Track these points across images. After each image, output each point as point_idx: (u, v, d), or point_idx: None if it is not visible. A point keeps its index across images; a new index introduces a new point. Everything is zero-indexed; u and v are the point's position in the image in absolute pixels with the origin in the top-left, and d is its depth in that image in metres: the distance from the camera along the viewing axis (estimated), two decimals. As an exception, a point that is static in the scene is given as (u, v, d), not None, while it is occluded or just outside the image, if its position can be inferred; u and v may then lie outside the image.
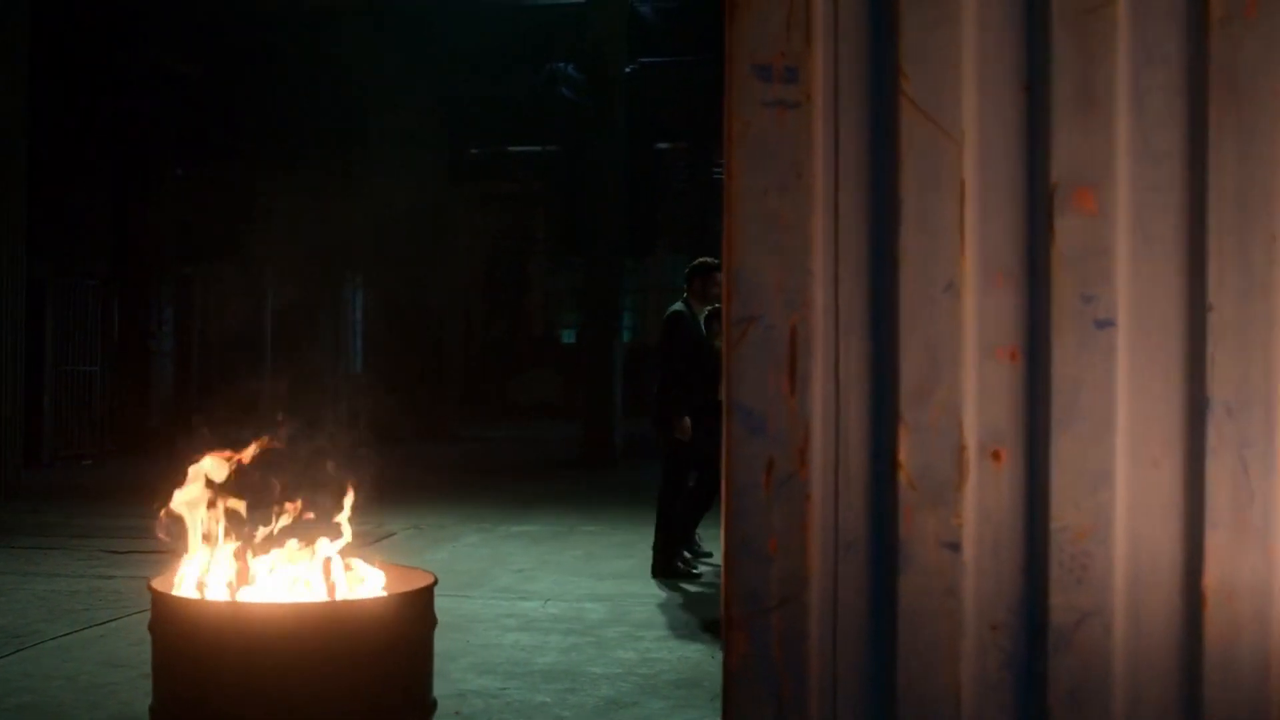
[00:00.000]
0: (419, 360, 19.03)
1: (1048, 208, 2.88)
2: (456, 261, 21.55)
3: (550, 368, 25.61)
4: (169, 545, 3.93)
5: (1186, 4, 2.86)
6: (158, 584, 3.53)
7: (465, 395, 23.23)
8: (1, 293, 12.34)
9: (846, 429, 2.94)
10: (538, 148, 21.32)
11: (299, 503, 3.92)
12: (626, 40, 16.01)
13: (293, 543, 3.83)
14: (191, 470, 3.79)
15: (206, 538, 3.78)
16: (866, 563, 2.93)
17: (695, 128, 19.10)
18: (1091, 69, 2.88)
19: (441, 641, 6.57)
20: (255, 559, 3.71)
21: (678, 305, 8.39)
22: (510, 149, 21.50)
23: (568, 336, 27.28)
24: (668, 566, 8.34)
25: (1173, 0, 2.87)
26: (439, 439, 19.25)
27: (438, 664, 6.08)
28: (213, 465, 3.74)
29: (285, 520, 4.00)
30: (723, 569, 2.99)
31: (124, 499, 10.68)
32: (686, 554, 8.56)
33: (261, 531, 3.82)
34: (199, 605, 3.37)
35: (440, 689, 5.67)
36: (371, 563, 3.91)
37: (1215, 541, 2.84)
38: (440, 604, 7.50)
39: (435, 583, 3.66)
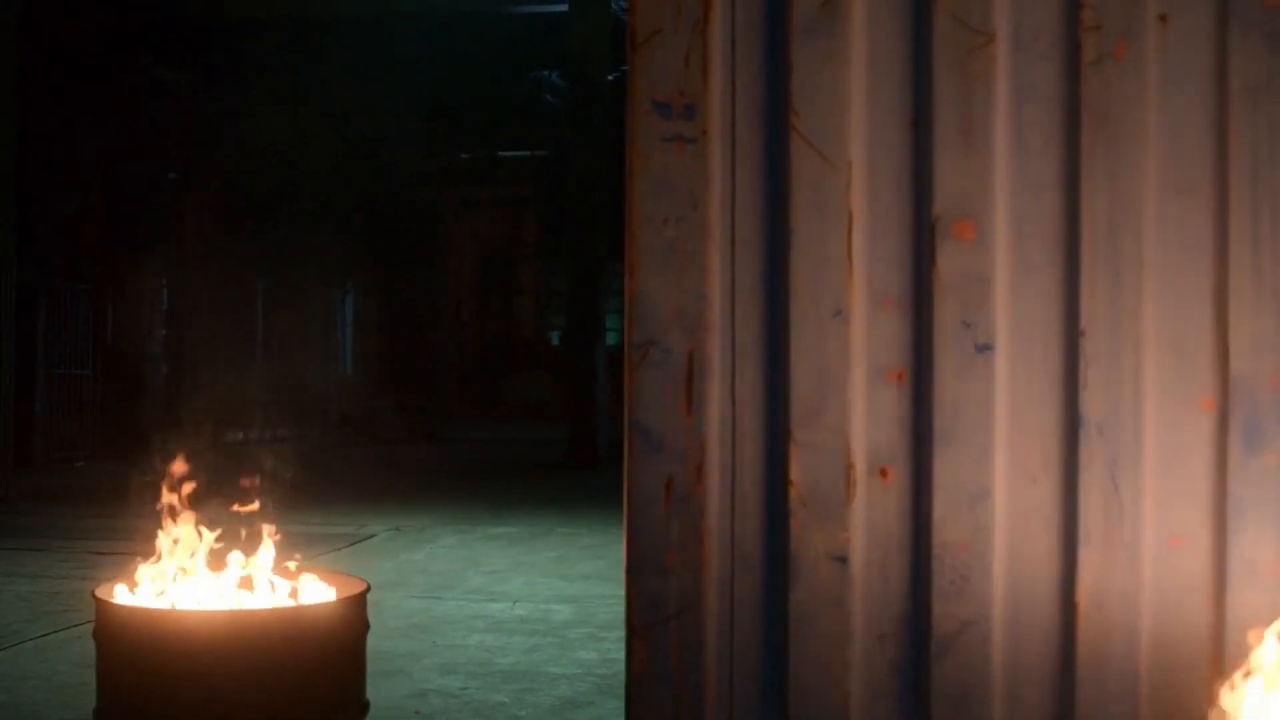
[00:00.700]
0: (409, 362, 19.20)
1: (931, 237, 3.04)
2: (447, 264, 21.72)
3: (541, 369, 25.79)
4: (141, 549, 4.10)
5: (1061, 45, 3.02)
6: (101, 591, 3.69)
7: (456, 396, 23.41)
8: (-8, 297, 12.51)
9: (742, 448, 3.10)
10: (527, 153, 21.50)
11: (249, 504, 4.07)
12: (610, 48, 16.18)
13: (235, 552, 3.99)
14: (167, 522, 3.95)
15: (158, 545, 3.94)
16: (760, 575, 3.09)
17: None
18: (972, 105, 3.04)
19: (409, 642, 6.79)
20: (197, 566, 3.87)
21: None
22: (501, 154, 21.69)
23: (558, 339, 27.46)
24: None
25: (1048, 41, 3.02)
26: (429, 440, 19.41)
27: (403, 664, 6.28)
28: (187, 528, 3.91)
29: (236, 525, 4.14)
30: (625, 581, 3.15)
31: (113, 501, 10.85)
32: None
33: (208, 538, 3.98)
34: (131, 612, 3.53)
35: (403, 689, 5.85)
36: (311, 570, 4.07)
37: (1087, 555, 3.00)
38: (411, 605, 7.75)
39: (367, 590, 3.81)
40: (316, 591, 3.91)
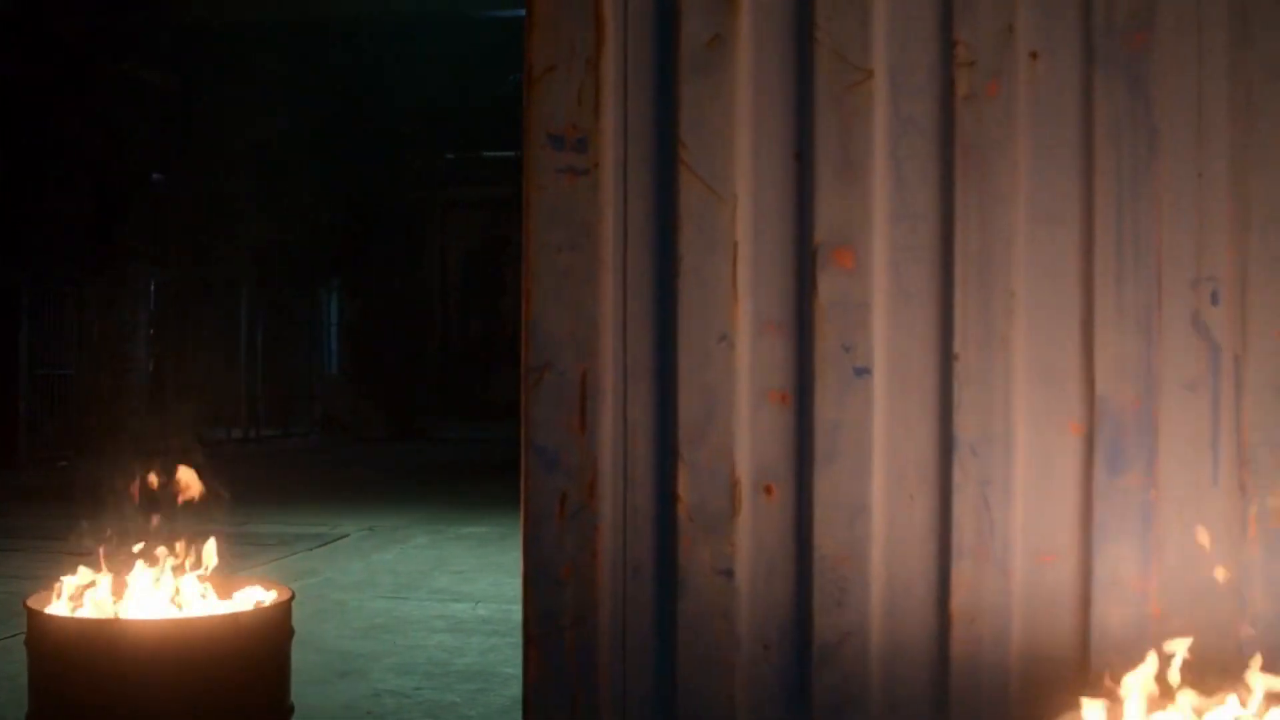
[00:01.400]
0: (395, 361, 19.34)
1: (812, 265, 3.18)
2: (431, 264, 21.87)
3: (525, 369, 25.82)
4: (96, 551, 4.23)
5: (936, 81, 3.15)
6: (33, 601, 3.83)
7: (441, 395, 23.56)
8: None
9: (633, 466, 3.24)
10: (511, 153, 21.63)
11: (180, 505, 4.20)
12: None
13: (168, 559, 4.12)
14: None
15: (94, 553, 4.08)
16: (651, 587, 3.24)
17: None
18: (852, 139, 3.17)
19: (370, 643, 6.94)
20: (128, 575, 4.01)
21: None
22: (485, 154, 21.82)
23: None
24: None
25: (924, 77, 3.16)
26: (413, 438, 19.56)
27: (362, 665, 6.43)
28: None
29: (182, 533, 4.26)
30: (522, 592, 3.30)
31: (95, 501, 10.97)
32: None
33: (139, 547, 4.11)
34: (56, 621, 3.67)
35: (359, 689, 6.00)
36: (242, 579, 4.21)
37: (961, 568, 3.14)
38: (376, 606, 7.90)
39: (292, 598, 3.95)
40: (243, 601, 4.05)
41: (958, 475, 3.14)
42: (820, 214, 3.18)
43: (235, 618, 3.75)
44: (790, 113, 3.20)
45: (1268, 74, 3.05)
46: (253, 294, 18.58)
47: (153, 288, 18.05)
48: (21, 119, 14.29)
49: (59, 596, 3.93)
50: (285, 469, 16.28)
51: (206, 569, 4.14)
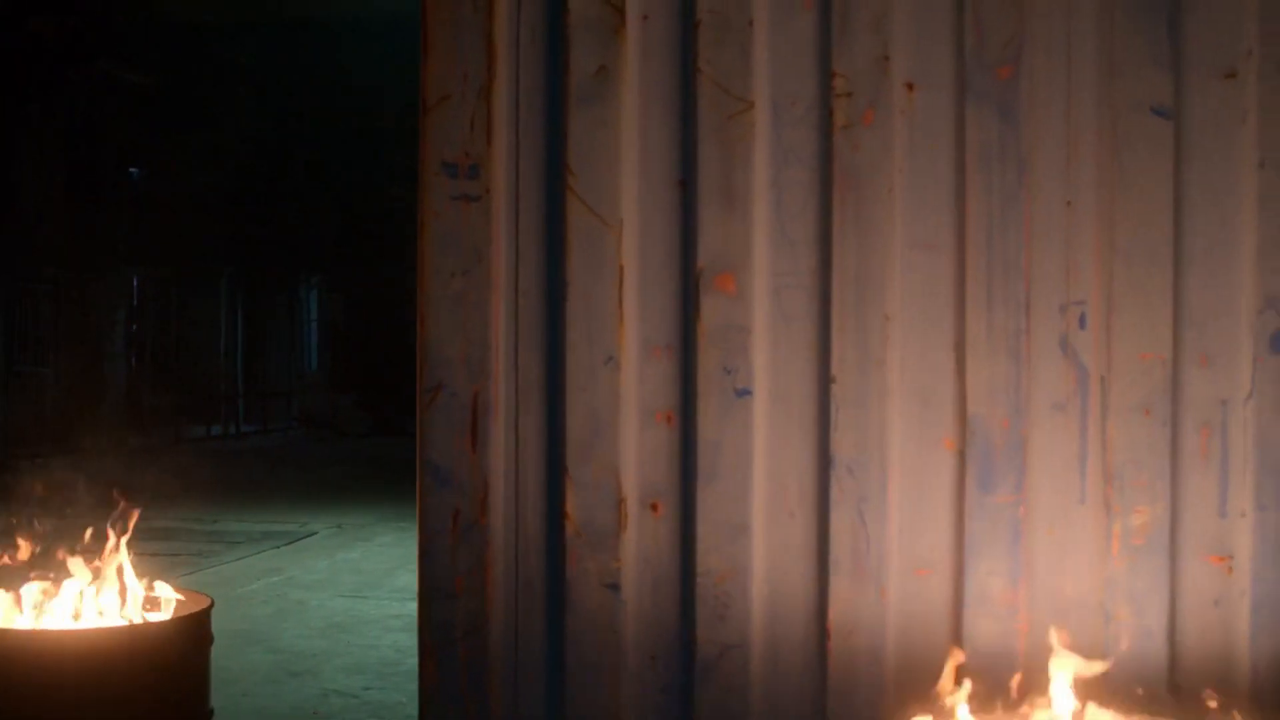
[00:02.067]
0: (374, 358, 19.43)
1: (695, 290, 3.28)
2: (412, 260, 21.91)
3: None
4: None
5: (815, 111, 3.25)
6: (-41, 612, 3.93)
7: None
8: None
9: (525, 483, 3.35)
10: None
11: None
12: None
13: (85, 569, 4.20)
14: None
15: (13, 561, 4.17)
16: (541, 601, 3.34)
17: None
18: (734, 167, 3.27)
19: (324, 643, 7.05)
20: (49, 586, 4.10)
21: None
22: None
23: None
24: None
25: (803, 107, 3.26)
26: (394, 435, 19.65)
27: (314, 665, 6.54)
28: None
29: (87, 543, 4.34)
30: (418, 605, 3.40)
31: (72, 500, 11.06)
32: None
33: (61, 555, 4.20)
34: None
35: (309, 689, 6.11)
36: (163, 585, 4.30)
37: (838, 584, 3.24)
38: (335, 605, 8.00)
39: (211, 606, 4.05)
40: (162, 609, 4.15)
41: (835, 493, 3.24)
42: (703, 240, 3.28)
43: (149, 628, 3.85)
44: (674, 142, 3.30)
45: (1132, 106, 3.15)
46: (232, 291, 18.66)
47: (133, 284, 18.13)
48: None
49: (-14, 605, 4.03)
50: (262, 466, 16.38)
51: (125, 577, 4.23)
